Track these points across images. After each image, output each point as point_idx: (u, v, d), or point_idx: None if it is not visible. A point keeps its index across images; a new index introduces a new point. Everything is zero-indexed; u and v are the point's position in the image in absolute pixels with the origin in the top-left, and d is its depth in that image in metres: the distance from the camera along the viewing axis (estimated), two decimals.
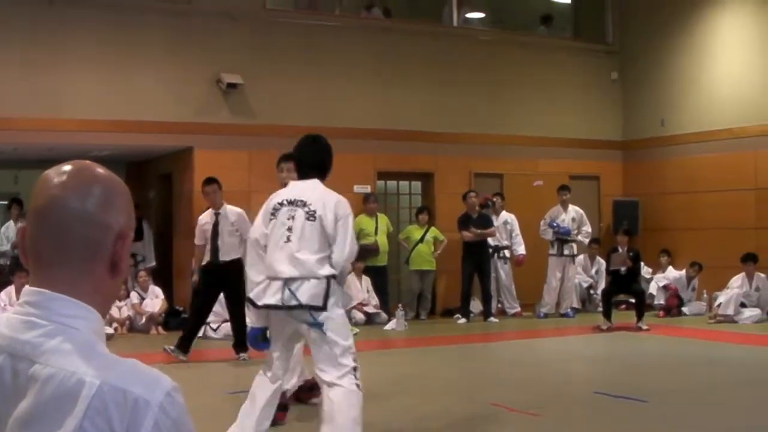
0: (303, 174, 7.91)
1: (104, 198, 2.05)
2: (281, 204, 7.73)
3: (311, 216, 7.56)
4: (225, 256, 13.92)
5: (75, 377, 1.86)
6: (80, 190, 2.03)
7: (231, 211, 14.16)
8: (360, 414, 7.38)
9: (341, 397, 7.35)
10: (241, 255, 12.58)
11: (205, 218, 14.32)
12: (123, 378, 1.88)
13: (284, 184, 8.94)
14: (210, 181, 14.35)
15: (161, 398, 1.88)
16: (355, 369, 7.39)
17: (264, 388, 7.89)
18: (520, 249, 20.12)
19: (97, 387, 1.84)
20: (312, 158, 7.92)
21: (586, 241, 20.62)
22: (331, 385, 7.38)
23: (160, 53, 18.20)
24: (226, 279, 13.80)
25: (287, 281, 7.49)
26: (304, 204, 7.62)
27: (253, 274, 7.79)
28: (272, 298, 7.56)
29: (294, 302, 7.44)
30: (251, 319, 8.13)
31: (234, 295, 13.59)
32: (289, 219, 7.62)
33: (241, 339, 13.47)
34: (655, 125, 22.40)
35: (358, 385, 7.38)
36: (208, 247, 14.06)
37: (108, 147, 18.27)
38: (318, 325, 7.41)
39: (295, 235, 7.56)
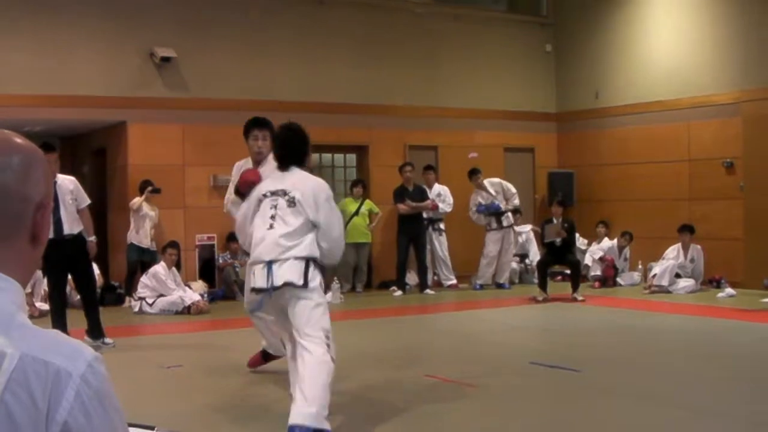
0: (284, 165, 8.40)
1: (23, 169, 1.99)
2: (265, 195, 8.28)
3: (291, 202, 8.11)
4: (69, 229, 12.70)
5: None
6: None
7: (67, 179, 12.94)
8: (330, 381, 7.96)
9: (314, 363, 7.88)
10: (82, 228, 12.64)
11: None
12: (44, 349, 1.84)
13: (258, 153, 9.99)
14: (50, 148, 12.83)
15: (83, 369, 1.85)
16: (328, 340, 8.00)
17: (292, 368, 8.27)
18: (444, 206, 20.10)
19: (18, 358, 1.80)
20: (291, 150, 8.39)
21: (516, 202, 20.67)
22: (307, 351, 7.92)
23: (92, 26, 17.98)
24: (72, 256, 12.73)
25: (270, 263, 8.03)
26: (285, 193, 8.17)
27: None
28: (260, 281, 8.13)
29: (278, 282, 7.98)
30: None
31: (83, 275, 13.05)
32: (271, 208, 8.18)
33: (94, 323, 12.86)
34: (589, 97, 22.53)
35: (332, 358, 7.99)
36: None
37: (41, 122, 18.08)
38: (298, 298, 8.00)
39: (277, 222, 8.12)
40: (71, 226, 12.65)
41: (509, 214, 20.44)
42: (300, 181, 8.22)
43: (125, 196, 18.36)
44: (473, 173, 20.39)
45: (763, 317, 15.41)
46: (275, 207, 8.16)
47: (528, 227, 21.72)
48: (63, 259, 12.47)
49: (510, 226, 20.55)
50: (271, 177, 8.56)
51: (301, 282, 7.97)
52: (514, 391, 9.98)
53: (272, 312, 8.67)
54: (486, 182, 20.37)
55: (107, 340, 12.80)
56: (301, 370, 7.90)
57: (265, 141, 9.80)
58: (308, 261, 8.03)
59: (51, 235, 11.71)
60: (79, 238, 12.74)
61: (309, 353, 7.91)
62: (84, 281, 13.02)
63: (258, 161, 9.95)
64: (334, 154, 21.31)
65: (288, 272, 7.99)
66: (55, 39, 17.63)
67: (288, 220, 8.09)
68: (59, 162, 13.16)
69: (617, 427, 8.37)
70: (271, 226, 8.14)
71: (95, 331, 12.78)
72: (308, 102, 19.48)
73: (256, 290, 8.25)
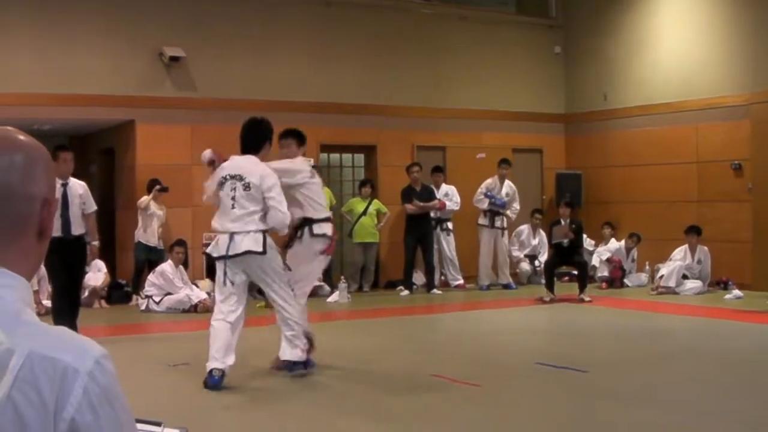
0: (244, 151, 10.36)
1: (27, 167, 1.99)
2: (225, 178, 10.15)
3: (247, 187, 10.02)
4: (75, 230, 12.88)
5: (2, 347, 1.83)
6: (1, 162, 1.97)
7: (78, 183, 13.22)
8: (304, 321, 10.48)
9: (290, 311, 10.33)
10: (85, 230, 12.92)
11: None
12: (52, 346, 1.85)
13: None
14: (64, 147, 13.45)
15: (90, 366, 1.85)
16: (293, 291, 10.36)
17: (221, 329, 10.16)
18: (452, 205, 20.13)
19: (26, 356, 1.80)
20: (250, 139, 10.41)
21: (513, 217, 20.71)
22: (282, 302, 10.34)
23: (102, 26, 18.00)
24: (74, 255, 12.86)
25: (232, 235, 10.01)
26: (241, 178, 10.07)
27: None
28: (223, 249, 10.07)
29: (240, 250, 9.97)
30: None
31: (75, 278, 13.17)
32: (232, 191, 10.07)
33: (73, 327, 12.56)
34: (597, 99, 22.51)
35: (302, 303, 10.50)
36: (57, 221, 12.47)
37: (49, 121, 18.12)
38: (262, 263, 10.11)
39: (237, 203, 10.04)
40: (76, 227, 12.80)
41: (504, 218, 20.41)
42: (254, 169, 10.15)
43: (133, 195, 18.37)
44: (504, 162, 20.42)
45: None
46: (234, 189, 10.07)
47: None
48: (65, 258, 12.48)
49: (502, 229, 20.52)
50: (230, 160, 10.39)
51: (261, 249, 9.99)
52: (520, 392, 9.98)
53: (231, 275, 10.18)
54: (507, 181, 20.37)
55: None
56: (280, 318, 10.52)
57: (289, 148, 11.19)
58: (264, 233, 10.05)
59: (58, 233, 12.10)
60: (80, 241, 12.86)
61: (284, 305, 10.41)
62: (74, 284, 13.03)
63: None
64: (342, 154, 21.32)
65: (249, 242, 9.99)
66: (64, 38, 17.66)
67: (244, 201, 10.06)
68: (73, 162, 13.20)
69: (623, 429, 8.38)
70: (233, 207, 10.08)
71: None
72: (317, 102, 19.49)
73: (222, 257, 10.13)
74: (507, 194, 20.27)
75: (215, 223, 10.34)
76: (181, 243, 17.34)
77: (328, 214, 11.33)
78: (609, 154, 22.21)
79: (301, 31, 19.96)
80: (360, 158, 21.54)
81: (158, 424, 2.60)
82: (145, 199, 17.80)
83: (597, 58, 22.60)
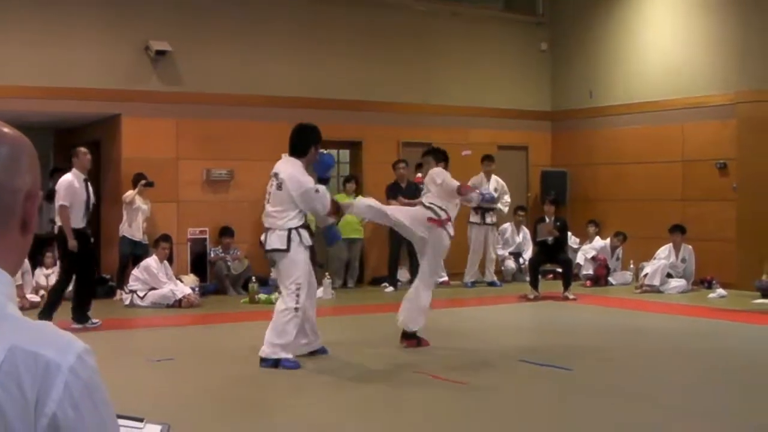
0: (290, 153, 11.32)
1: (11, 160, 1.97)
2: (271, 176, 11.15)
3: (279, 186, 10.93)
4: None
5: None
6: None
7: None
8: (289, 322, 10.75)
9: (281, 307, 10.83)
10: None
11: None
12: (34, 341, 1.84)
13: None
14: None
15: (72, 361, 1.84)
16: (298, 291, 10.78)
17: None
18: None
19: (8, 350, 1.79)
20: (291, 143, 11.35)
21: (506, 209, 20.71)
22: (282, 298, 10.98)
23: (88, 19, 17.96)
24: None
25: (267, 230, 11.07)
26: (277, 176, 11.03)
27: None
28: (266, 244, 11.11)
29: (268, 247, 11.02)
30: None
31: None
32: (270, 186, 11.09)
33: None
34: (583, 97, 22.54)
35: (296, 308, 10.76)
36: (81, 212, 13.76)
37: (36, 114, 18.04)
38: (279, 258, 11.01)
39: (271, 198, 11.03)
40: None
41: (494, 213, 20.43)
42: (288, 169, 11.06)
43: (118, 189, 18.33)
44: (487, 159, 20.41)
45: (753, 318, 15.45)
46: (272, 185, 11.09)
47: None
48: (87, 249, 13.68)
49: (494, 225, 20.55)
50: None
51: (285, 247, 10.81)
52: (503, 389, 10.00)
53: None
54: (493, 176, 20.38)
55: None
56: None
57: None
58: (290, 231, 10.86)
59: (81, 225, 13.21)
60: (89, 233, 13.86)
61: (281, 300, 11.12)
62: (92, 270, 14.06)
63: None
64: (327, 150, 21.26)
65: (276, 240, 10.89)
66: (50, 31, 17.61)
67: (275, 198, 11.01)
68: (90, 155, 14.11)
69: (606, 427, 8.39)
70: (268, 201, 11.12)
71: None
72: (303, 97, 19.46)
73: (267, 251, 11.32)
74: (495, 189, 20.26)
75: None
76: (166, 238, 17.33)
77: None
78: (594, 152, 22.24)
79: (288, 27, 19.93)
80: (345, 154, 21.52)
81: (140, 420, 2.59)
82: (130, 193, 17.75)
83: (583, 56, 22.63)
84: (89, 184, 13.92)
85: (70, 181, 13.71)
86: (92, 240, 14.28)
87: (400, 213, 12.44)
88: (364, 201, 12.69)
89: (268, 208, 11.06)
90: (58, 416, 1.80)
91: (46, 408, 1.80)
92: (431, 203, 12.28)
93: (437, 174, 12.48)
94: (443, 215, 12.25)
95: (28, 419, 1.79)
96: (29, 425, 1.79)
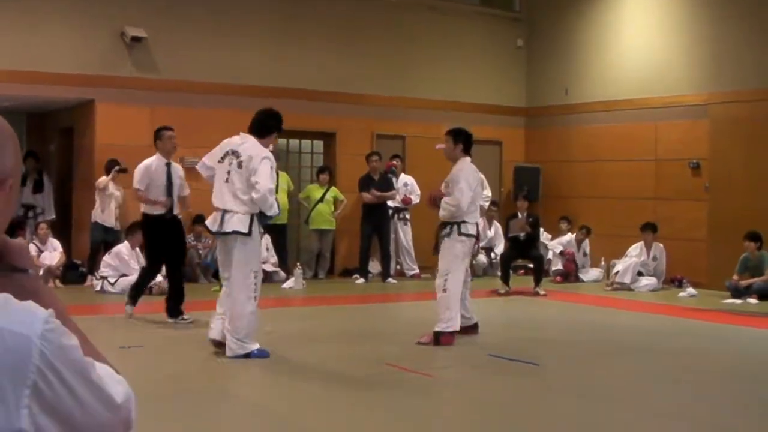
0: (251, 131, 10.84)
1: None
2: (226, 154, 10.71)
3: (240, 165, 10.52)
4: (175, 209, 13.72)
5: None
6: None
7: (178, 167, 14.20)
8: (252, 314, 10.63)
9: (241, 298, 10.61)
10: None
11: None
12: None
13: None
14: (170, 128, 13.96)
15: (40, 329, 1.81)
16: (256, 279, 10.67)
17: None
18: (416, 198, 20.13)
19: None
20: (257, 122, 10.93)
21: (487, 205, 20.71)
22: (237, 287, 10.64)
23: (63, 4, 17.89)
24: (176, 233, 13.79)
25: (223, 211, 10.59)
26: (237, 154, 10.62)
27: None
28: (213, 226, 10.77)
29: (227, 229, 10.55)
30: None
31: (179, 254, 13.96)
32: (230, 165, 10.60)
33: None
34: (558, 94, 22.60)
35: (255, 297, 10.64)
36: (162, 197, 13.45)
37: (8, 98, 17.94)
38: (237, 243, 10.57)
39: (233, 178, 10.55)
40: (176, 207, 13.60)
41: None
42: (249, 148, 10.63)
43: (91, 175, 18.25)
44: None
45: (722, 317, 15.53)
46: (231, 164, 10.66)
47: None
48: (165, 237, 13.42)
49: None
50: (235, 138, 10.94)
51: (246, 230, 10.51)
52: (471, 382, 10.03)
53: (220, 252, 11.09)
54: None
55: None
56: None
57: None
58: (252, 215, 10.53)
59: (161, 212, 13.14)
60: (177, 220, 13.64)
61: (237, 290, 10.71)
62: (178, 261, 13.84)
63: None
64: (301, 140, 21.26)
65: (236, 222, 10.53)
66: (25, 15, 17.50)
67: (235, 178, 10.59)
68: (175, 139, 13.79)
69: (571, 423, 8.42)
70: (227, 180, 10.65)
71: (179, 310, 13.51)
72: (277, 87, 19.42)
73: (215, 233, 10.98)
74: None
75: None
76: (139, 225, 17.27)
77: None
78: (568, 149, 22.31)
79: (265, 16, 19.90)
80: (319, 145, 21.51)
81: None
82: (103, 179, 17.67)
83: (559, 53, 22.68)
84: (171, 168, 13.64)
85: (148, 164, 13.58)
86: (181, 227, 13.96)
87: None
88: None
89: (230, 187, 10.54)
90: (39, 385, 1.78)
91: (27, 380, 1.78)
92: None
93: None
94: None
95: (7, 396, 1.77)
96: (8, 402, 1.77)
